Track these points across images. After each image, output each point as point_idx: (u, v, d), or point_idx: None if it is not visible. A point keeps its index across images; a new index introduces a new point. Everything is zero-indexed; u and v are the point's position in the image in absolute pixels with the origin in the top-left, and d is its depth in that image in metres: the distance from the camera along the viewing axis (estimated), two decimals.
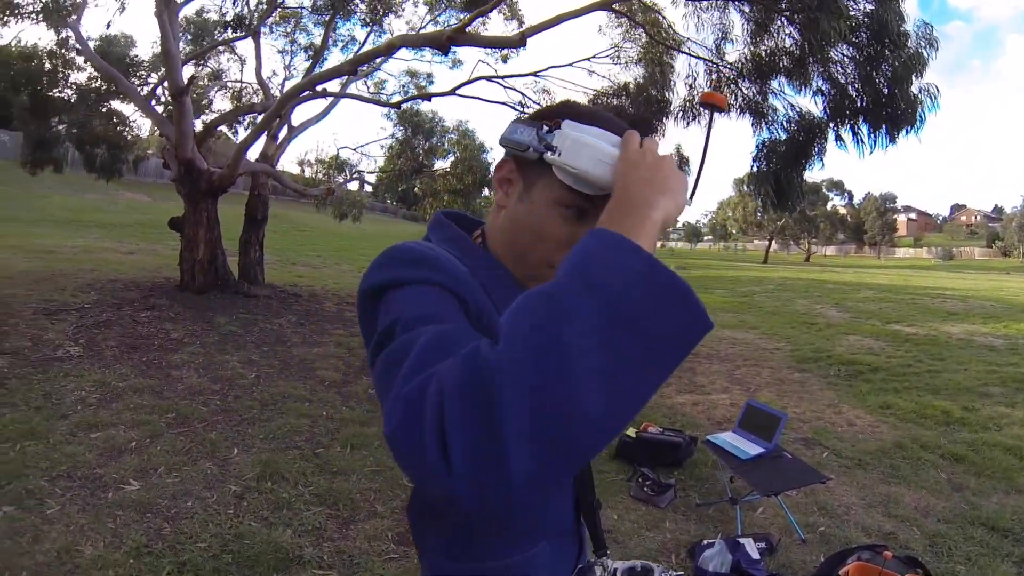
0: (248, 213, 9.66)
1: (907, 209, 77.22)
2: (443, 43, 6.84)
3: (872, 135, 6.20)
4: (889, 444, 4.57)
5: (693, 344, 0.56)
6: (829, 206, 51.19)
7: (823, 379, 6.51)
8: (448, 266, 0.73)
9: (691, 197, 0.81)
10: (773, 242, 47.88)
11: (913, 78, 5.92)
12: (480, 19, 10.26)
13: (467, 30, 9.57)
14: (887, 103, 5.86)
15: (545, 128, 0.76)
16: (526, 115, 0.88)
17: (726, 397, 5.82)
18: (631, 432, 4.30)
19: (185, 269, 8.30)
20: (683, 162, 9.32)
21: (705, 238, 78.52)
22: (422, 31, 10.36)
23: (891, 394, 5.86)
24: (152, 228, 15.01)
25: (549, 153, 0.74)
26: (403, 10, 11.12)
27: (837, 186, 51.21)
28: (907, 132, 6.16)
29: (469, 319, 0.69)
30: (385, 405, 0.56)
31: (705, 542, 2.96)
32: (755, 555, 2.80)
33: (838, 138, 6.51)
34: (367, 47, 10.84)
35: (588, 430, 0.50)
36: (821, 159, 6.89)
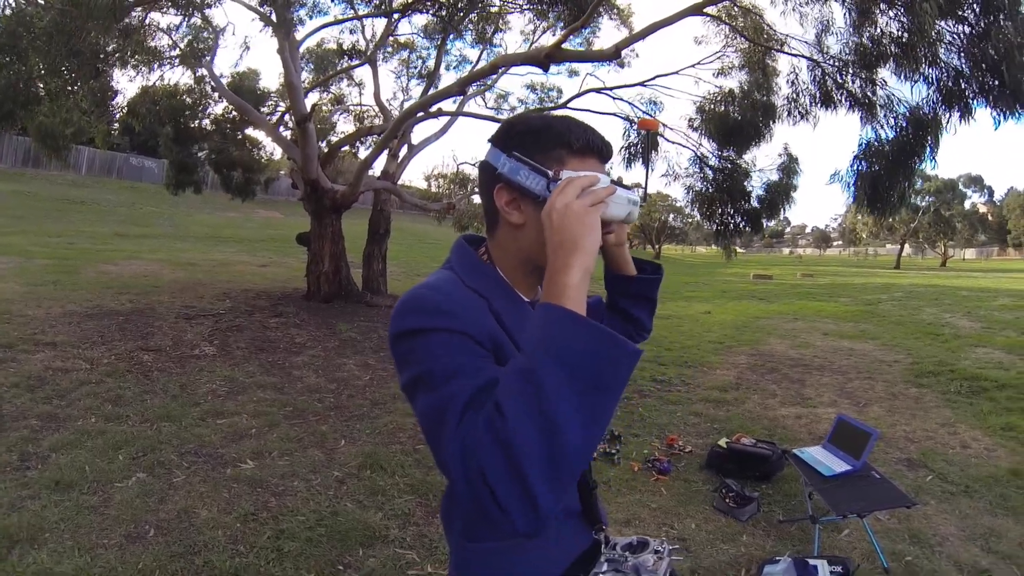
0: (371, 227, 10.27)
1: None
2: (542, 60, 7.06)
3: (997, 113, 5.61)
4: (1004, 471, 4.16)
5: (630, 369, 0.76)
6: (967, 204, 45.65)
7: (941, 395, 6.03)
8: (463, 310, 0.86)
9: (644, 200, 0.98)
10: (906, 246, 43.91)
11: None
12: (590, 30, 10.45)
13: (576, 46, 9.79)
14: (1003, 78, 5.32)
15: (552, 179, 0.89)
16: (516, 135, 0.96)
17: (832, 411, 5.52)
18: (722, 442, 4.26)
19: (311, 280, 9.04)
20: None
21: (835, 243, 73.73)
22: (535, 45, 10.64)
23: (1016, 415, 5.32)
24: (283, 243, 16.30)
25: None
26: (510, 27, 11.40)
27: (975, 182, 45.17)
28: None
29: (486, 350, 0.86)
30: (443, 456, 0.77)
31: (774, 559, 2.90)
32: None
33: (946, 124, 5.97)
34: (480, 65, 11.27)
35: (576, 455, 0.72)
36: (933, 156, 6.32)
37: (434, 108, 9.30)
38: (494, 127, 1.02)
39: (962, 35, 5.67)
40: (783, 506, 3.63)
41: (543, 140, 0.93)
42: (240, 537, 2.89)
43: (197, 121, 10.92)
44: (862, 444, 3.46)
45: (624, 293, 1.24)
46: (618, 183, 0.95)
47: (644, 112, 9.82)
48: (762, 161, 9.22)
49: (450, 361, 0.82)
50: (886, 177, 6.51)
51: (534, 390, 0.71)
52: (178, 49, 9.04)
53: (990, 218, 48.86)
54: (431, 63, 12.04)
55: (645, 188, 1.04)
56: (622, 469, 4.05)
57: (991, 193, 48.66)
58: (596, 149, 0.95)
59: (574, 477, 0.73)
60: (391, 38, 11.78)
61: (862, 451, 3.43)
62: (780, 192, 9.03)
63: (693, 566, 2.94)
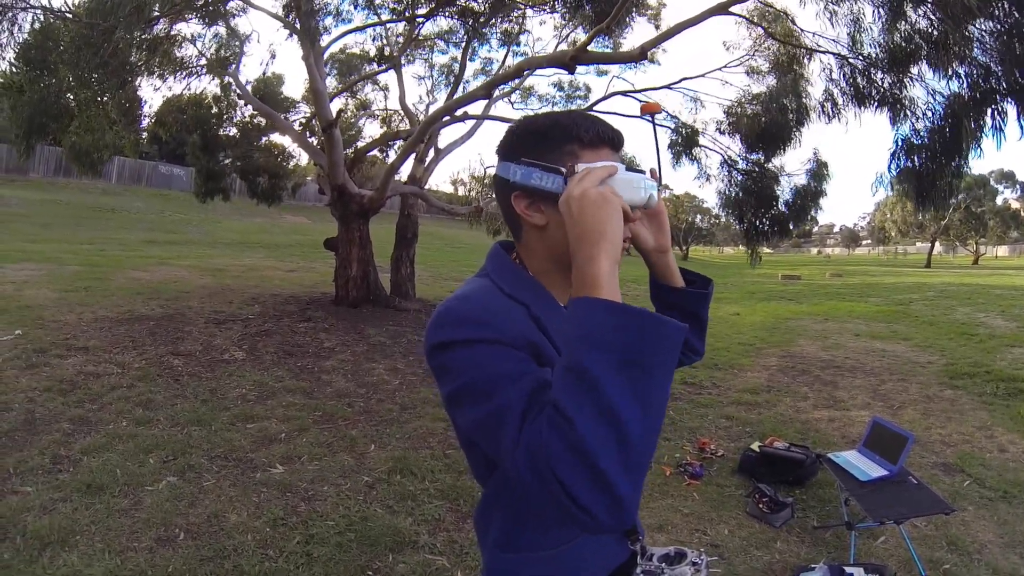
0: (399, 232, 10.32)
1: None
2: (567, 63, 7.04)
3: (1021, 118, 5.44)
4: None
5: (676, 345, 0.74)
6: (999, 200, 44.32)
7: (977, 397, 5.87)
8: (499, 319, 0.85)
9: (660, 185, 0.96)
10: (937, 244, 42.90)
11: None
12: (622, 35, 10.38)
13: (607, 45, 9.71)
14: None
15: (567, 175, 0.87)
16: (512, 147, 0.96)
17: (865, 414, 5.40)
18: (755, 446, 4.18)
19: (340, 285, 9.07)
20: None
21: (863, 242, 72.59)
22: (562, 46, 10.61)
23: None
24: (311, 248, 16.48)
25: None
26: (530, 32, 11.35)
27: (1007, 177, 43.74)
28: None
29: (525, 354, 0.85)
30: (507, 464, 0.77)
31: (809, 566, 2.83)
32: None
33: (983, 128, 5.77)
34: (506, 67, 11.28)
35: (643, 440, 0.71)
36: (979, 146, 6.11)
37: (460, 112, 9.31)
38: None
39: (991, 32, 5.50)
40: (818, 512, 3.55)
41: (551, 138, 0.92)
42: (270, 542, 2.90)
43: (224, 129, 11.08)
44: (898, 448, 3.36)
45: (669, 306, 1.16)
46: (633, 168, 0.93)
47: (671, 115, 9.74)
48: (791, 166, 9.04)
49: (492, 371, 0.81)
50: (931, 171, 6.31)
51: (588, 386, 0.71)
52: (204, 59, 9.18)
53: (1023, 214, 47.48)
54: (456, 66, 12.08)
55: (660, 174, 1.01)
56: (654, 473, 3.99)
57: (1023, 189, 47.34)
58: (608, 139, 0.93)
59: (646, 462, 0.73)
60: (415, 42, 11.84)
61: (898, 455, 3.34)
62: (808, 197, 8.87)
63: (727, 573, 2.88)
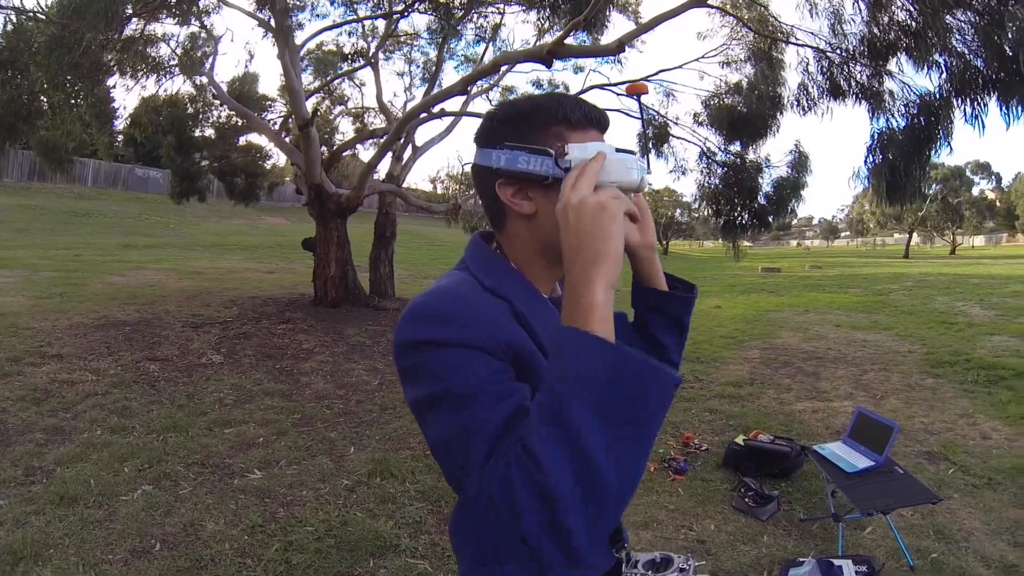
0: (377, 231, 10.24)
1: None
2: (545, 57, 7.00)
3: (1005, 109, 5.48)
4: None
5: (668, 401, 0.68)
6: (975, 191, 45.08)
7: (958, 385, 5.93)
8: (477, 319, 0.79)
9: (648, 168, 0.90)
10: (914, 235, 43.53)
11: None
12: (603, 30, 10.34)
13: (584, 40, 9.67)
14: (1015, 70, 5.19)
15: (558, 156, 0.82)
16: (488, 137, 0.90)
17: (848, 404, 5.43)
18: (739, 440, 4.18)
19: (318, 285, 8.98)
20: None
21: (842, 234, 73.62)
22: (540, 42, 10.56)
23: None
24: (290, 248, 16.31)
25: None
26: (506, 27, 11.32)
27: (983, 168, 44.75)
28: None
29: (504, 362, 0.78)
30: (471, 488, 0.71)
31: (797, 560, 2.81)
32: None
33: (965, 117, 5.83)
34: (483, 63, 11.25)
35: (615, 496, 0.66)
36: (948, 143, 6.23)
37: (437, 108, 9.25)
38: None
39: (970, 23, 5.54)
40: (804, 504, 3.55)
41: (536, 120, 0.86)
42: (248, 550, 2.83)
43: (200, 129, 10.92)
44: (884, 438, 3.37)
45: (651, 309, 1.07)
46: (622, 148, 0.88)
47: (649, 109, 9.74)
48: (772, 158, 9.07)
49: (470, 381, 0.74)
50: (902, 167, 6.39)
51: (566, 434, 0.65)
52: (177, 59, 9.02)
53: (998, 204, 48.30)
54: (433, 62, 12.01)
55: (647, 156, 0.96)
56: None
57: (999, 179, 48.07)
58: (595, 120, 0.88)
59: (615, 520, 0.68)
60: (392, 39, 11.75)
61: (884, 445, 3.35)
62: (789, 189, 8.90)
63: (714, 569, 2.86)
